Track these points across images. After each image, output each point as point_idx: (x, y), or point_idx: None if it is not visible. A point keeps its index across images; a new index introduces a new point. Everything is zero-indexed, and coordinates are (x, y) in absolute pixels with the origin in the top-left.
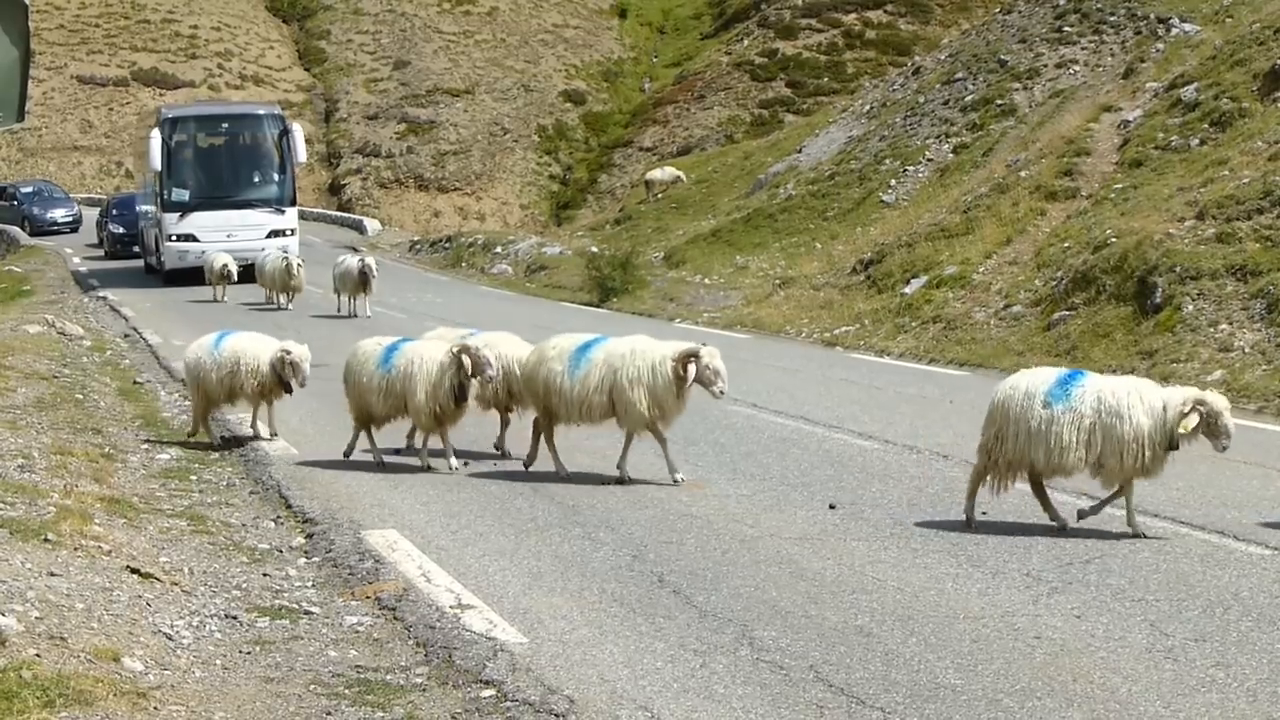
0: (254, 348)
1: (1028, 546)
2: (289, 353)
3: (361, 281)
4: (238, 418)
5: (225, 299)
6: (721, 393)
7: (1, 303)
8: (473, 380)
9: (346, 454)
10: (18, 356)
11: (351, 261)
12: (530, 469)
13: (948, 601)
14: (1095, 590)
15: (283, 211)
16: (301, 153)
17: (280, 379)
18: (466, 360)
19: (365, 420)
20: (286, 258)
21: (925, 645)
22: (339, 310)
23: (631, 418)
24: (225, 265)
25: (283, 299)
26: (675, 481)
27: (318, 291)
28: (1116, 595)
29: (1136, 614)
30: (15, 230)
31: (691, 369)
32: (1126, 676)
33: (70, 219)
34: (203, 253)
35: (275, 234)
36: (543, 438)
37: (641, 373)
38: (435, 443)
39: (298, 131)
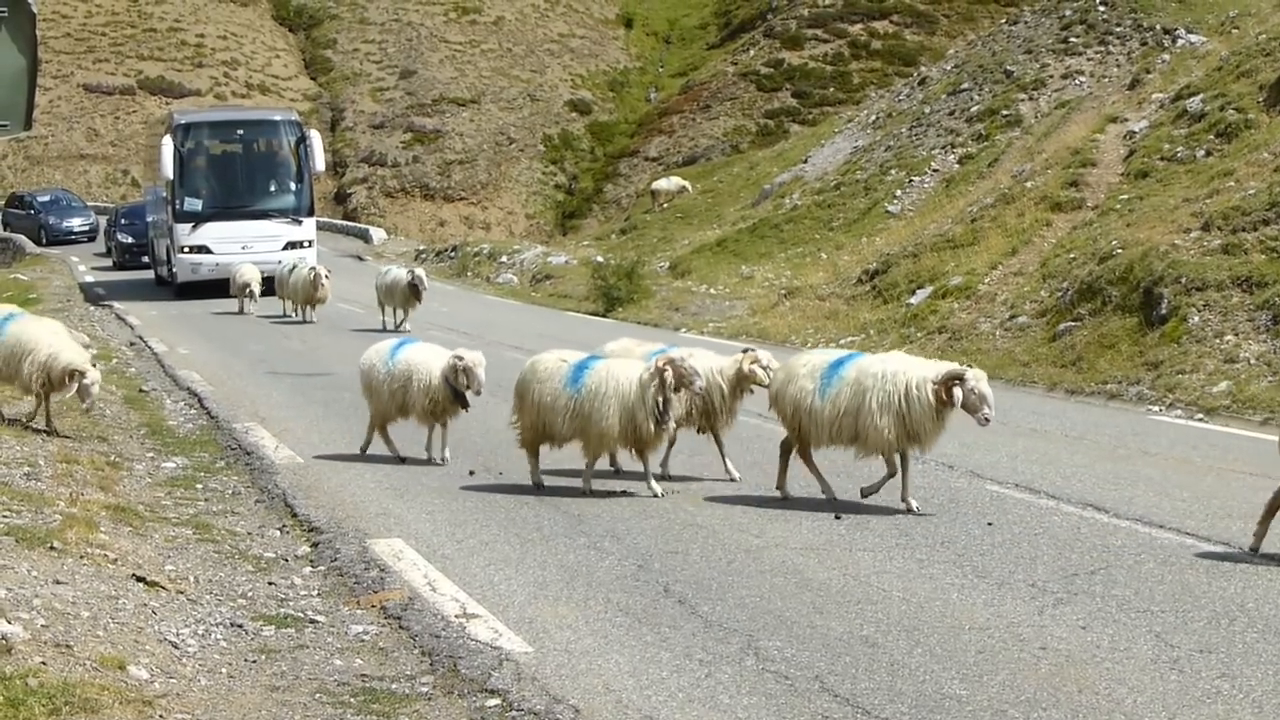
0: (427, 361)
1: (1033, 557)
2: (461, 359)
3: (412, 293)
4: (243, 426)
5: (251, 312)
6: (987, 420)
7: None
8: (676, 395)
9: (538, 484)
10: None
11: (400, 273)
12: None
13: (953, 612)
14: (1101, 601)
15: (300, 222)
16: (320, 161)
17: (454, 391)
18: (669, 374)
19: (539, 443)
20: (314, 268)
21: (931, 656)
22: (383, 325)
23: (871, 443)
24: (249, 284)
25: (306, 311)
26: (910, 509)
27: (342, 306)
28: (1122, 606)
29: (1142, 625)
30: (21, 238)
31: (957, 393)
32: (1132, 687)
33: (87, 228)
34: (216, 265)
35: (292, 245)
36: (796, 459)
37: (893, 397)
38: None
39: (316, 138)
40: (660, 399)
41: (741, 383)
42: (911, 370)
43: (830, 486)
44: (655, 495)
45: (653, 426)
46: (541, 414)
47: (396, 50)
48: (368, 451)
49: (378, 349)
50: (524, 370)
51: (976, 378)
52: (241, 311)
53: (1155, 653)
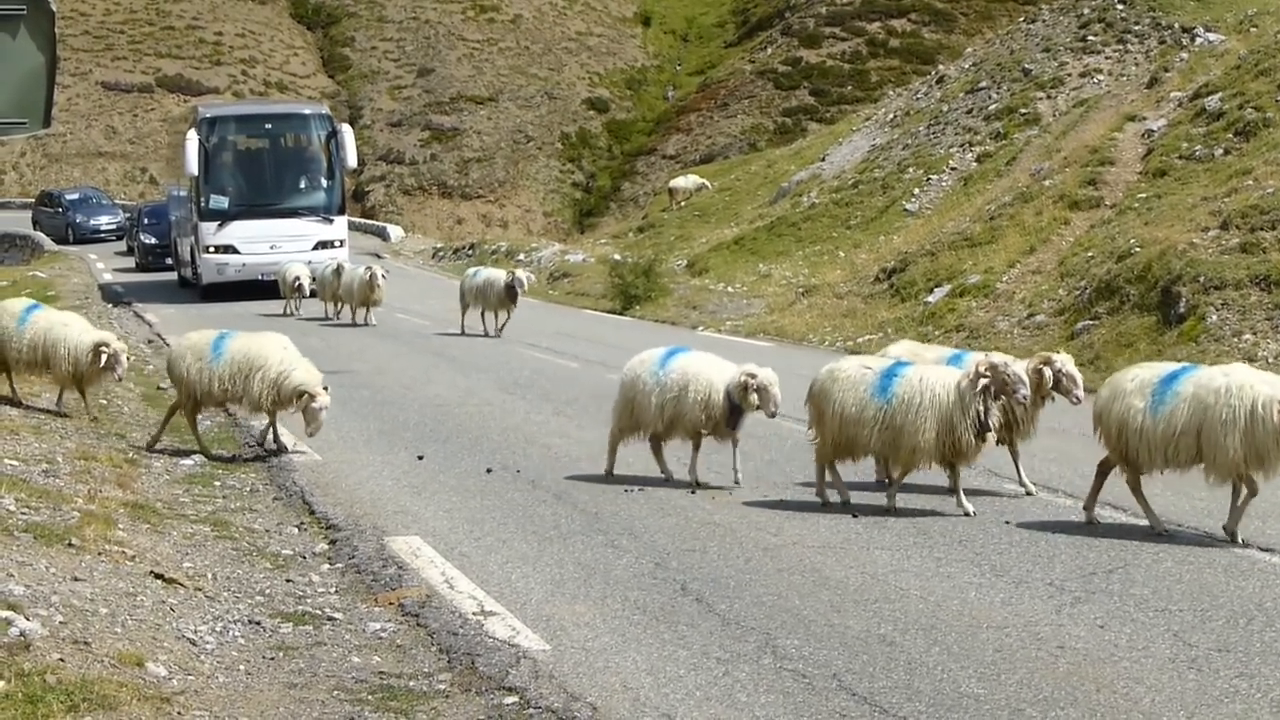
0: (706, 372)
1: (1051, 556)
2: (754, 376)
3: (509, 296)
4: (261, 423)
5: (299, 313)
6: None
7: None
8: (995, 405)
9: (846, 502)
10: None
11: (494, 274)
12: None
13: (971, 611)
14: (1119, 600)
15: (331, 220)
16: (352, 156)
17: (733, 410)
18: (991, 380)
19: (840, 458)
20: (370, 268)
21: (948, 654)
22: (462, 329)
23: (1220, 467)
24: (298, 279)
25: (362, 314)
26: (1235, 543)
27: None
28: (1140, 605)
29: (1160, 624)
30: (40, 236)
31: None
32: (1150, 687)
33: (114, 226)
34: (243, 266)
35: (323, 245)
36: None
37: (1237, 414)
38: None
39: (347, 133)
40: (982, 408)
41: (1041, 390)
42: (1257, 384)
43: (1160, 520)
44: (968, 514)
45: (973, 438)
46: (845, 427)
47: (414, 48)
48: (613, 472)
49: (644, 357)
50: (821, 379)
51: None
52: (287, 313)
53: (1173, 652)
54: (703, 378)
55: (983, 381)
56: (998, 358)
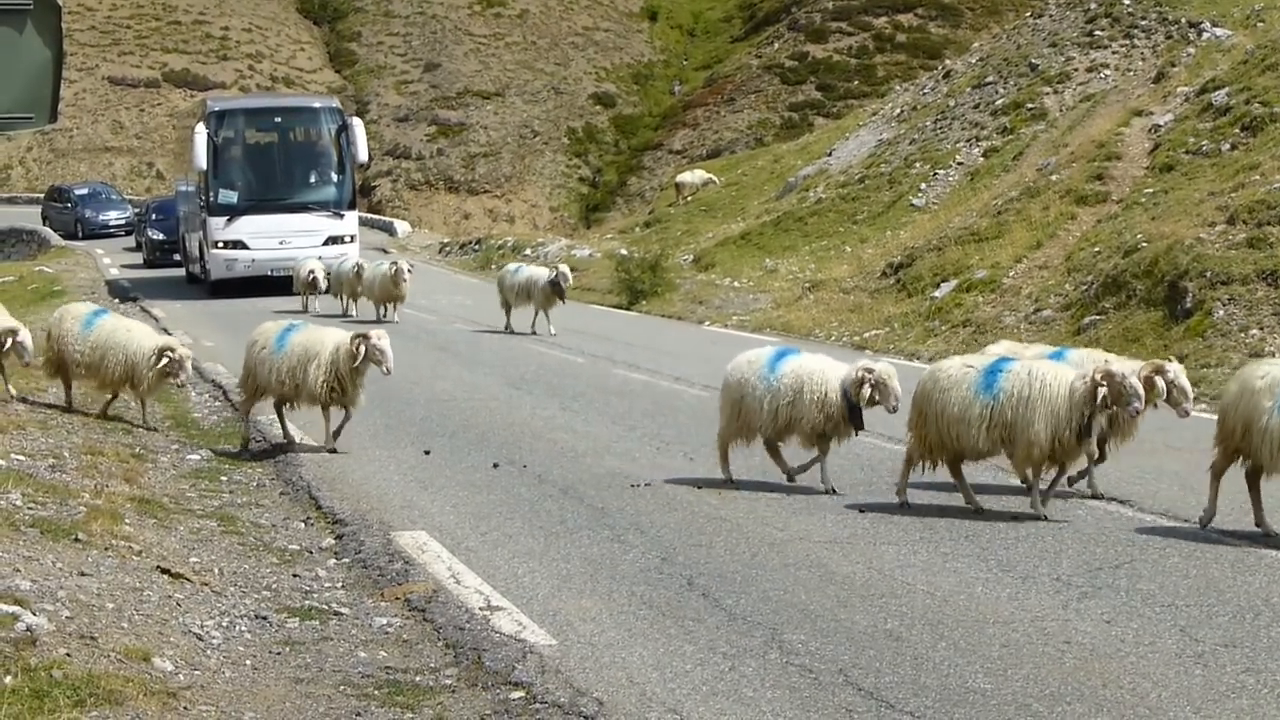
0: (822, 371)
1: (1058, 551)
2: (870, 371)
3: (555, 293)
4: (267, 418)
5: (316, 309)
6: None
7: (33, 303)
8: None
9: (977, 507)
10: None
11: (536, 271)
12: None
13: (978, 606)
14: (1125, 595)
15: (341, 216)
16: (363, 151)
17: (852, 409)
18: (1106, 390)
19: (941, 458)
20: (395, 263)
21: (955, 650)
22: (507, 327)
23: None
24: (313, 274)
25: (386, 310)
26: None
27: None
28: (1146, 600)
29: (1166, 619)
30: (47, 231)
31: None
32: (1156, 682)
33: (123, 221)
34: (252, 262)
35: (333, 240)
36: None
37: None
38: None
39: (358, 127)
40: (1087, 413)
41: (1151, 398)
42: None
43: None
44: (1044, 518)
45: (1075, 440)
46: (950, 426)
47: (421, 43)
48: (733, 479)
49: (750, 358)
50: (922, 380)
51: None
52: (305, 309)
53: (1180, 647)
54: (818, 377)
55: (1101, 391)
56: (1115, 367)
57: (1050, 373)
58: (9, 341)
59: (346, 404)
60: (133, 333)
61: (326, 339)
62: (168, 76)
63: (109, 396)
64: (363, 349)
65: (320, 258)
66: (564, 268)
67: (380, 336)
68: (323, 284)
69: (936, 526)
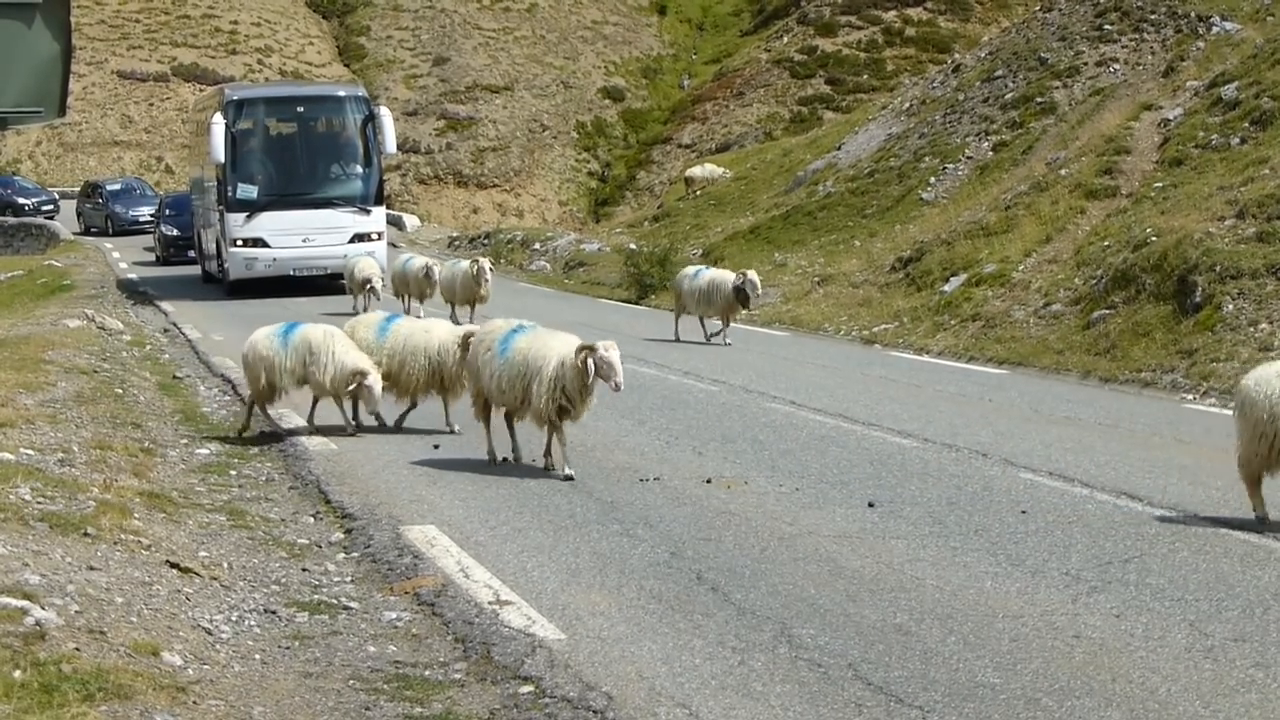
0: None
1: (1067, 546)
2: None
3: (739, 300)
4: (276, 412)
5: (370, 309)
6: None
7: (42, 297)
8: None
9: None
10: (58, 351)
11: (718, 275)
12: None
13: (987, 600)
14: (1135, 590)
15: (368, 211)
16: (391, 142)
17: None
18: None
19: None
20: (478, 262)
21: (964, 644)
22: (676, 336)
23: None
24: (369, 280)
25: (464, 312)
26: None
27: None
28: (1156, 595)
29: (1176, 614)
30: (56, 225)
31: None
32: (1166, 676)
33: (154, 216)
34: (274, 260)
35: (359, 238)
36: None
37: None
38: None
39: (385, 117)
40: None
41: None
42: None
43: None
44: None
45: None
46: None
47: (430, 37)
48: None
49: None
50: (1243, 385)
51: None
52: (356, 311)
53: (1190, 641)
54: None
55: None
56: None
57: None
58: (356, 383)
59: (574, 419)
60: (431, 333)
61: (550, 351)
62: (177, 70)
63: (409, 405)
64: (590, 363)
65: (373, 254)
66: (752, 274)
67: (609, 348)
68: (379, 290)
69: (946, 521)
